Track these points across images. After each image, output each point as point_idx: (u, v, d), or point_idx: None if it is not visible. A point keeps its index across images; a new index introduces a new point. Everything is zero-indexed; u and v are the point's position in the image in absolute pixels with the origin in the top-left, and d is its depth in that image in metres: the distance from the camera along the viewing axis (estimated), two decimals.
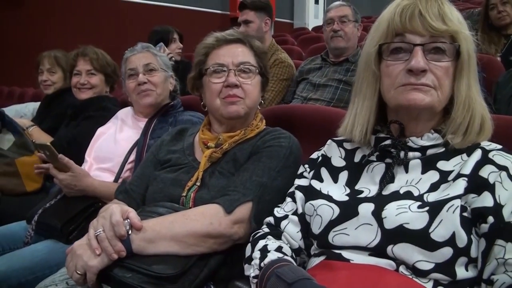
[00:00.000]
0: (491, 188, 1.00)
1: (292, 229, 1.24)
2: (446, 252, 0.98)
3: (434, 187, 1.07)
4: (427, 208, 1.01)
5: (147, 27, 4.30)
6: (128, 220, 1.22)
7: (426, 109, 1.10)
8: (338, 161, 1.27)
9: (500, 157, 1.05)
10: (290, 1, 10.07)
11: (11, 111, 3.55)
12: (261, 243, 1.20)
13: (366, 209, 1.08)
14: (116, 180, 1.95)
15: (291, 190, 1.32)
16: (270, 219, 1.29)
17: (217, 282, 1.31)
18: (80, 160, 2.10)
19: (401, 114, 1.15)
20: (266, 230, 1.28)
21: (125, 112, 2.24)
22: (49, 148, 1.77)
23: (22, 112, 3.51)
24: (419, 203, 1.03)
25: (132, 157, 1.99)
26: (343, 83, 2.86)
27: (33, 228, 1.82)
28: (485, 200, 0.99)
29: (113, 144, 2.07)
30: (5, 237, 1.93)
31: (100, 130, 2.21)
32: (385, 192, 1.11)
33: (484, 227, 0.98)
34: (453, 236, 0.97)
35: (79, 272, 1.18)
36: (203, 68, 1.57)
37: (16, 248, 1.86)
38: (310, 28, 8.68)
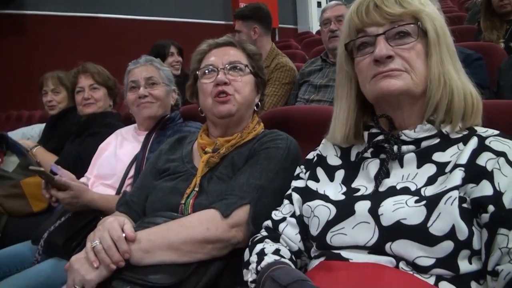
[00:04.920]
0: (489, 176, 0.96)
1: (290, 232, 1.21)
2: (446, 246, 0.94)
3: (431, 181, 1.03)
4: (424, 202, 0.97)
5: (150, 43, 4.32)
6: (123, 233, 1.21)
7: (403, 94, 1.07)
8: (334, 160, 1.24)
9: (498, 143, 1.01)
10: (293, 6, 10.08)
11: (17, 134, 3.57)
12: (258, 247, 1.18)
13: (362, 207, 1.05)
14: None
15: (288, 192, 1.29)
16: (268, 223, 1.27)
17: None
18: None
19: (383, 106, 1.13)
20: (264, 233, 1.26)
21: (126, 130, 2.24)
22: (44, 172, 1.79)
23: (29, 134, 3.52)
24: (416, 197, 1.00)
25: (132, 172, 1.98)
26: None
27: (40, 252, 1.82)
28: (484, 189, 0.95)
29: (114, 160, 2.06)
30: (12, 258, 1.93)
31: (101, 146, 2.21)
32: (382, 188, 1.08)
33: (485, 217, 0.94)
34: (452, 229, 0.93)
35: (77, 287, 1.17)
36: (197, 74, 1.58)
37: (22, 269, 1.86)
38: (314, 32, 8.67)
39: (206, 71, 1.55)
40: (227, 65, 1.53)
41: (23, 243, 2.03)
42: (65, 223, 1.84)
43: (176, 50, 4.11)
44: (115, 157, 2.07)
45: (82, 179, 2.14)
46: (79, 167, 2.25)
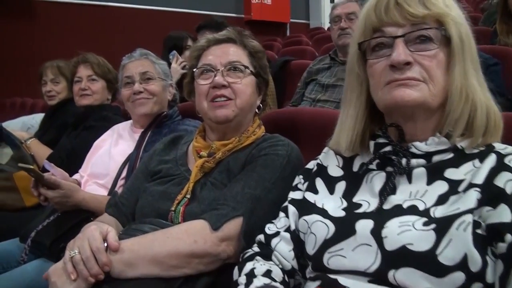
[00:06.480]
0: (508, 199, 0.85)
1: (283, 248, 1.11)
2: (457, 278, 0.83)
3: (442, 200, 0.92)
4: (433, 226, 0.87)
5: (161, 35, 4.20)
6: (105, 244, 1.12)
7: (418, 107, 0.97)
8: (335, 170, 1.14)
9: None
10: (305, 1, 9.93)
11: (18, 123, 3.53)
12: (248, 266, 1.08)
13: (364, 226, 0.94)
14: None
15: (285, 204, 1.19)
16: (261, 237, 1.17)
17: None
18: None
19: (395, 116, 1.03)
20: (256, 249, 1.16)
21: (123, 126, 2.15)
22: (33, 170, 1.72)
23: (29, 124, 3.46)
24: (425, 219, 0.89)
25: (125, 172, 1.90)
26: None
27: (26, 252, 1.74)
28: (502, 214, 0.84)
29: (107, 159, 1.98)
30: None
31: (96, 143, 2.12)
32: (386, 206, 0.97)
33: (502, 246, 0.83)
34: (464, 258, 0.83)
35: None
36: (194, 72, 1.48)
37: (9, 268, 1.79)
38: (326, 28, 8.53)
39: (203, 71, 1.44)
40: (226, 66, 1.42)
41: (11, 241, 1.95)
42: (54, 223, 1.76)
43: (193, 43, 3.96)
44: (109, 156, 1.98)
45: (76, 176, 2.07)
46: (73, 161, 2.19)
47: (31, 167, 1.73)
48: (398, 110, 1.00)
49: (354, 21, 2.84)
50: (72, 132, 2.52)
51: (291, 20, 9.30)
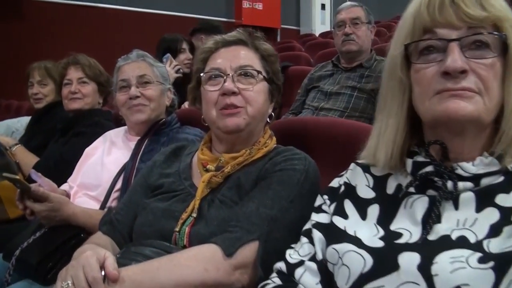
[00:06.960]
0: None
1: (309, 280, 0.97)
2: None
3: (495, 231, 0.80)
4: (492, 264, 0.75)
5: (149, 37, 4.09)
6: (103, 272, 0.97)
7: (471, 122, 0.85)
8: (365, 191, 1.01)
9: None
10: (296, 8, 9.90)
11: (2, 126, 3.38)
12: None
13: (409, 261, 0.81)
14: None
15: (306, 227, 1.05)
16: (281, 266, 1.03)
17: None
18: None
19: (440, 131, 0.91)
20: (277, 280, 1.01)
21: (115, 132, 2.00)
22: (19, 181, 1.58)
23: (14, 127, 3.31)
24: (480, 254, 0.77)
25: (120, 184, 1.75)
26: (357, 90, 2.63)
27: (10, 272, 1.57)
28: None
29: (100, 169, 1.82)
30: None
31: (86, 151, 1.97)
32: (432, 236, 0.85)
33: None
34: None
35: None
36: (200, 76, 1.35)
37: None
38: (317, 34, 8.47)
39: (211, 76, 1.32)
40: (236, 71, 1.29)
41: None
42: (40, 240, 1.60)
43: (188, 47, 3.79)
44: (102, 165, 1.83)
45: (64, 186, 1.91)
46: (62, 170, 2.03)
47: (17, 177, 1.59)
48: (447, 124, 0.88)
49: (359, 26, 2.74)
50: (60, 139, 2.37)
51: (282, 26, 9.25)
